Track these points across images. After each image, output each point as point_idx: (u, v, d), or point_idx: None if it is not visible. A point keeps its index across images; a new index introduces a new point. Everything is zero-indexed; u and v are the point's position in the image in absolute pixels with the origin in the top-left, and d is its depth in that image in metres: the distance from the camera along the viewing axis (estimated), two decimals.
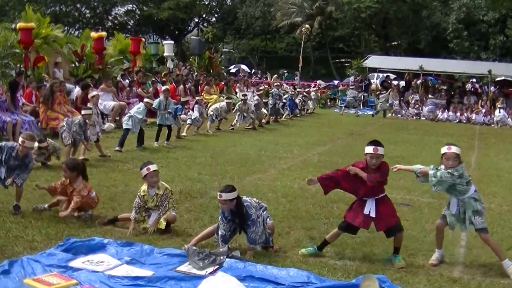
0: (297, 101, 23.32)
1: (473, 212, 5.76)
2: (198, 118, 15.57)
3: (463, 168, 5.77)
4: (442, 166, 5.80)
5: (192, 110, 16.39)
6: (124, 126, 12.42)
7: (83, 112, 10.73)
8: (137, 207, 6.55)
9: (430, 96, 27.51)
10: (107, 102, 16.18)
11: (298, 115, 23.10)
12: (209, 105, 18.01)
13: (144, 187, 6.59)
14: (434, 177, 5.76)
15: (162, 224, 6.41)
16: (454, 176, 5.70)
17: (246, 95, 18.14)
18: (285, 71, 40.81)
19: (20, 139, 6.95)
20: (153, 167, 6.56)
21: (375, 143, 5.83)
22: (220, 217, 5.94)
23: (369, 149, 5.79)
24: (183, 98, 15.78)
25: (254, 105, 18.63)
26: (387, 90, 28.28)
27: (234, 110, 17.56)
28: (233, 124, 17.18)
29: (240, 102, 17.64)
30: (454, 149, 5.77)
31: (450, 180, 5.71)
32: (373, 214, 5.81)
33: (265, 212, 6.13)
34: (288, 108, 22.15)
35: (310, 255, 5.91)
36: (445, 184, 5.75)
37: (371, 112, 26.66)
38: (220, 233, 5.92)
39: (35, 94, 14.51)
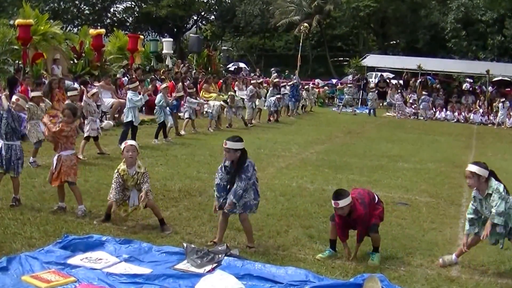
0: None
1: None
2: (192, 113, 15.68)
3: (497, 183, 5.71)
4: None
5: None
6: (126, 119, 12.39)
7: (69, 93, 10.87)
8: (117, 187, 6.55)
9: (424, 92, 27.50)
10: (106, 100, 16.16)
11: (298, 112, 23.24)
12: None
13: (123, 166, 6.61)
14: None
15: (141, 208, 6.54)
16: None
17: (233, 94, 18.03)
18: (273, 70, 40.88)
19: (15, 97, 7.53)
20: (131, 142, 6.73)
21: (335, 196, 5.79)
22: (219, 167, 6.07)
23: (332, 203, 5.80)
24: (178, 93, 15.74)
25: (248, 97, 18.73)
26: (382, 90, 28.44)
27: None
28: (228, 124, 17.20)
29: (227, 99, 17.52)
30: (469, 167, 5.77)
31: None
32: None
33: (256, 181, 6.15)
34: (291, 102, 22.23)
35: (327, 258, 5.88)
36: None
37: (367, 111, 26.73)
38: (215, 182, 6.04)
39: (30, 90, 14.46)
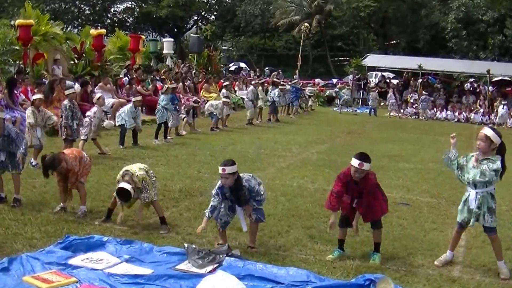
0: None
1: (488, 209, 5.72)
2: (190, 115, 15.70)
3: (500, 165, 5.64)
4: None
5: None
6: (118, 123, 12.50)
7: (66, 92, 10.80)
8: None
9: (424, 92, 27.49)
10: (107, 100, 16.14)
11: (299, 111, 23.25)
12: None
13: None
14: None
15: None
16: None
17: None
18: (267, 69, 41.07)
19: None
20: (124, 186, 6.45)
21: (362, 157, 5.70)
22: (215, 192, 6.01)
23: (354, 163, 5.68)
24: (171, 85, 15.61)
25: (249, 97, 18.67)
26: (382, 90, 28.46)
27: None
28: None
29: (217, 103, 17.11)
30: (485, 130, 5.72)
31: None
32: (354, 205, 5.86)
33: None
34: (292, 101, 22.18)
35: (337, 258, 5.86)
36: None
37: (367, 111, 26.72)
38: (211, 204, 6.01)
39: (31, 90, 14.46)
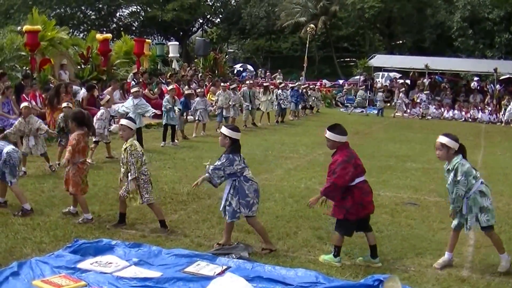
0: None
1: (480, 209, 5.63)
2: (202, 112, 15.58)
3: (460, 162, 5.57)
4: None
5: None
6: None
7: (63, 105, 10.80)
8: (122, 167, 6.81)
9: (425, 91, 27.40)
10: (114, 105, 16.19)
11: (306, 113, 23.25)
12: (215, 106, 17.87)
13: None
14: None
15: (136, 199, 6.54)
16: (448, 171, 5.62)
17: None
18: (261, 70, 41.27)
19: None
20: (121, 121, 6.79)
21: (328, 127, 5.95)
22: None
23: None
24: (187, 91, 15.55)
25: (244, 98, 18.59)
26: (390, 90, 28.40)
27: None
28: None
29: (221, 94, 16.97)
30: (440, 138, 5.65)
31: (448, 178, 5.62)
32: None
33: None
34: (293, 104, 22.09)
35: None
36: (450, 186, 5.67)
37: (375, 111, 26.66)
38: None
39: (39, 95, 14.51)
